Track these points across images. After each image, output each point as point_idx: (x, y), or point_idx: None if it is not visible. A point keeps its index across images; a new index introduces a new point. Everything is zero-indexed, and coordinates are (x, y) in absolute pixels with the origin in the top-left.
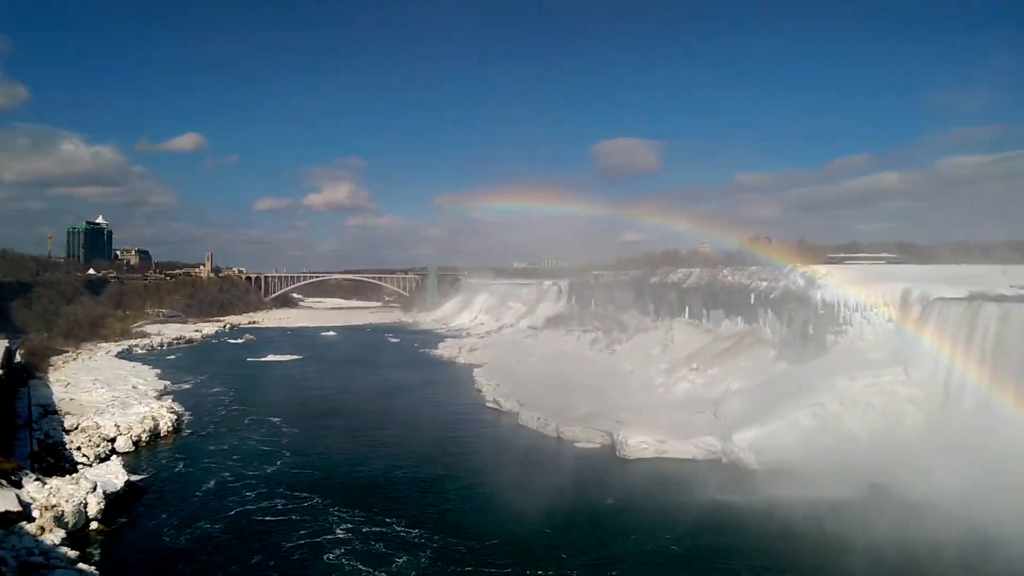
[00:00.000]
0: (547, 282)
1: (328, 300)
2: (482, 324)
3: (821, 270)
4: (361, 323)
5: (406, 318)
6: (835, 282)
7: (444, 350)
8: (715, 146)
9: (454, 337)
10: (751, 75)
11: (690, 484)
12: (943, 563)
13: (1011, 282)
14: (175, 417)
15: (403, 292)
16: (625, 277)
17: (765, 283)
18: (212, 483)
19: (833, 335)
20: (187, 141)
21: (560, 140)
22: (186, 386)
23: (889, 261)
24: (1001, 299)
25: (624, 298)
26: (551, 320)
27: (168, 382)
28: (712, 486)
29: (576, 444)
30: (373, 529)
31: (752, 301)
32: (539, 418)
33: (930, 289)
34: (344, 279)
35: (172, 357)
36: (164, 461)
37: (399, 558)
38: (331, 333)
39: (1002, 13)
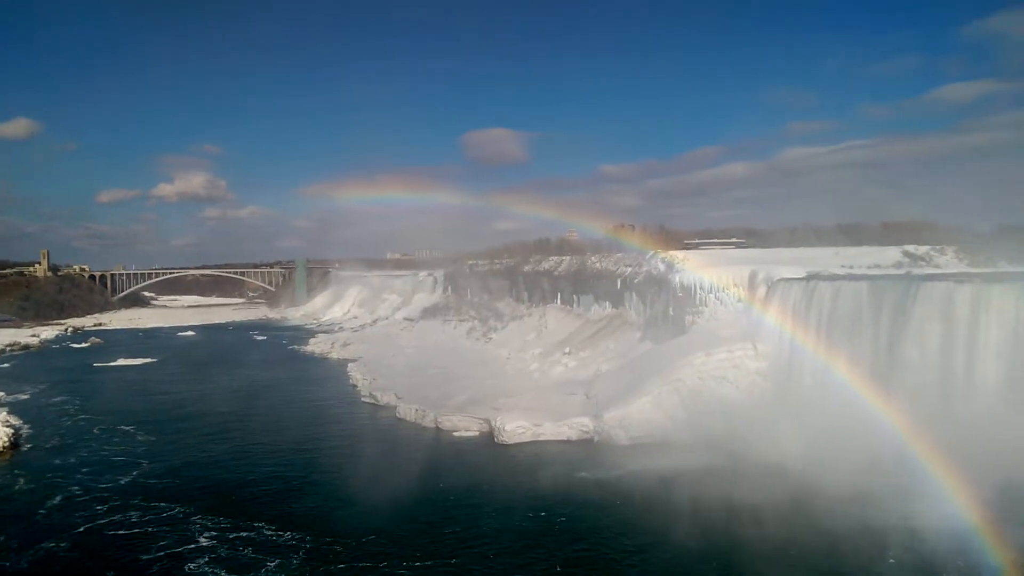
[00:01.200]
0: (422, 273)
1: (185, 298)
2: (355, 318)
3: (679, 255)
4: (223, 321)
5: (273, 314)
6: (691, 266)
7: (315, 346)
8: (581, 137)
9: (326, 332)
10: (613, 68)
11: (564, 464)
12: (783, 516)
13: (842, 262)
14: (12, 432)
15: (269, 287)
16: (499, 266)
17: (630, 269)
18: (58, 499)
19: (691, 315)
20: (18, 127)
21: (430, 129)
22: (23, 397)
23: (738, 246)
24: (834, 278)
25: (499, 286)
26: (427, 311)
27: (2, 393)
28: (584, 464)
29: (455, 433)
30: (240, 535)
31: (619, 286)
32: (417, 410)
33: (774, 270)
34: (202, 275)
35: (5, 366)
36: (0, 480)
37: (270, 562)
38: (189, 333)
39: (835, 18)
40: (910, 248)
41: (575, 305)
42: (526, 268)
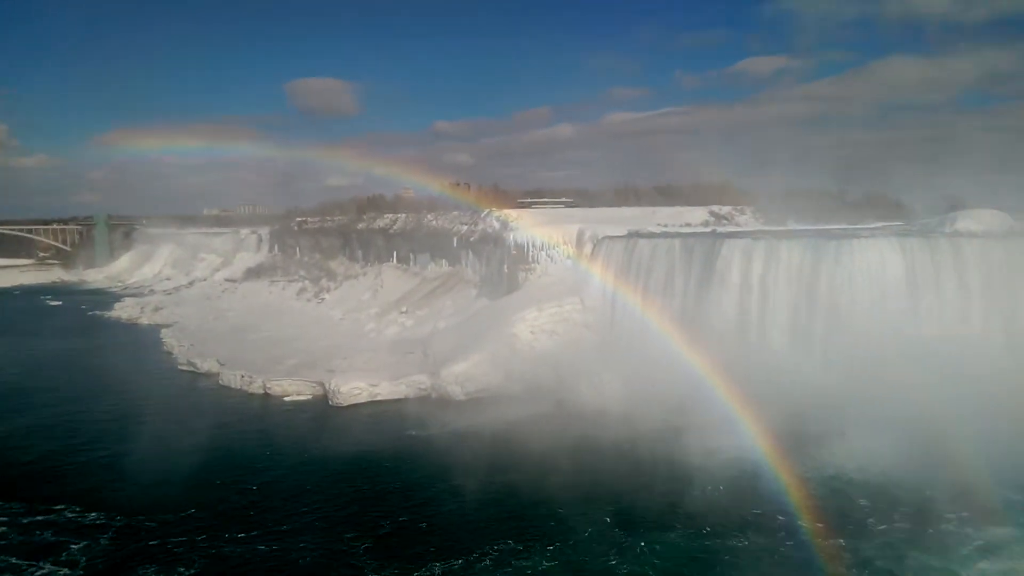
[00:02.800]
0: (245, 230)
1: None
2: (168, 280)
3: (513, 214)
4: (8, 285)
5: (70, 277)
6: (525, 225)
7: (122, 311)
8: (414, 92)
9: (134, 296)
10: (444, 24)
11: (401, 423)
12: (605, 455)
13: (659, 221)
14: None
15: (63, 246)
16: (331, 223)
17: (466, 227)
18: None
19: (524, 272)
20: None
21: (251, 76)
22: None
23: (567, 205)
24: (651, 236)
25: (331, 245)
26: (252, 271)
27: None
28: (421, 421)
29: (286, 399)
30: (37, 519)
31: (455, 244)
32: (243, 376)
33: (599, 229)
34: None
35: None
36: None
37: (73, 544)
38: None
39: None
40: (715, 208)
41: (411, 264)
42: (360, 226)
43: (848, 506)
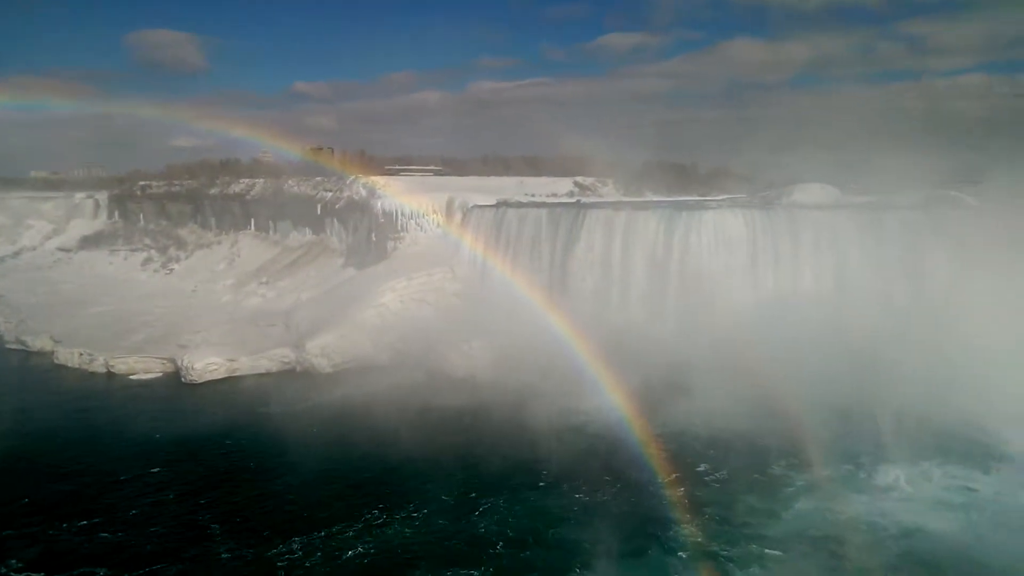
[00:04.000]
0: (80, 195)
1: None
2: None
3: (380, 181)
4: None
5: None
6: (393, 192)
7: None
8: (271, 49)
9: None
10: None
11: (263, 399)
12: (473, 419)
13: (526, 191)
14: None
15: None
16: (179, 188)
17: (330, 193)
18: None
19: (393, 241)
20: None
21: (84, 25)
22: None
23: (436, 173)
24: (519, 205)
25: (180, 211)
26: (89, 240)
27: None
28: (285, 396)
29: (132, 377)
30: None
31: (319, 211)
32: (82, 354)
33: (468, 198)
34: None
35: None
36: None
37: None
38: None
39: None
40: (580, 179)
41: (271, 232)
42: (213, 191)
43: (694, 458)
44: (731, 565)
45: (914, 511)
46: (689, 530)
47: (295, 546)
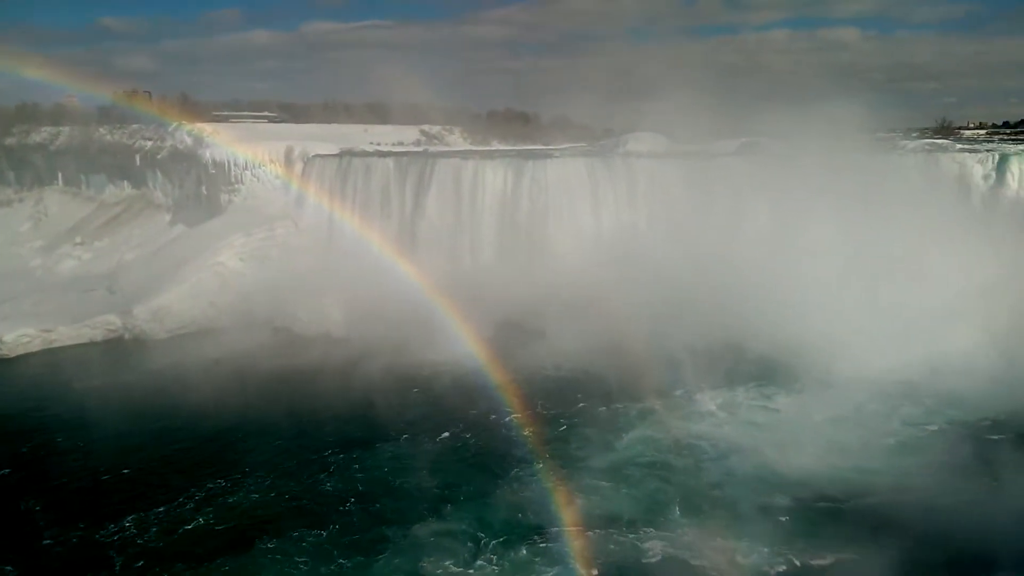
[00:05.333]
0: None
1: None
2: None
3: (208, 128)
4: None
5: None
6: (224, 141)
7: None
8: None
9: None
10: None
11: (86, 370)
12: (330, 378)
13: (371, 139)
14: None
15: None
16: None
17: (151, 142)
18: None
19: (227, 194)
20: None
21: None
22: None
23: (271, 120)
24: (365, 154)
25: None
26: None
27: None
28: (112, 366)
29: None
30: None
31: (138, 163)
32: None
33: (309, 147)
34: None
35: None
36: None
37: None
38: None
39: None
40: (426, 128)
41: (84, 187)
42: (8, 141)
43: (545, 398)
44: (571, 496)
45: (729, 433)
46: (536, 468)
47: (127, 524)
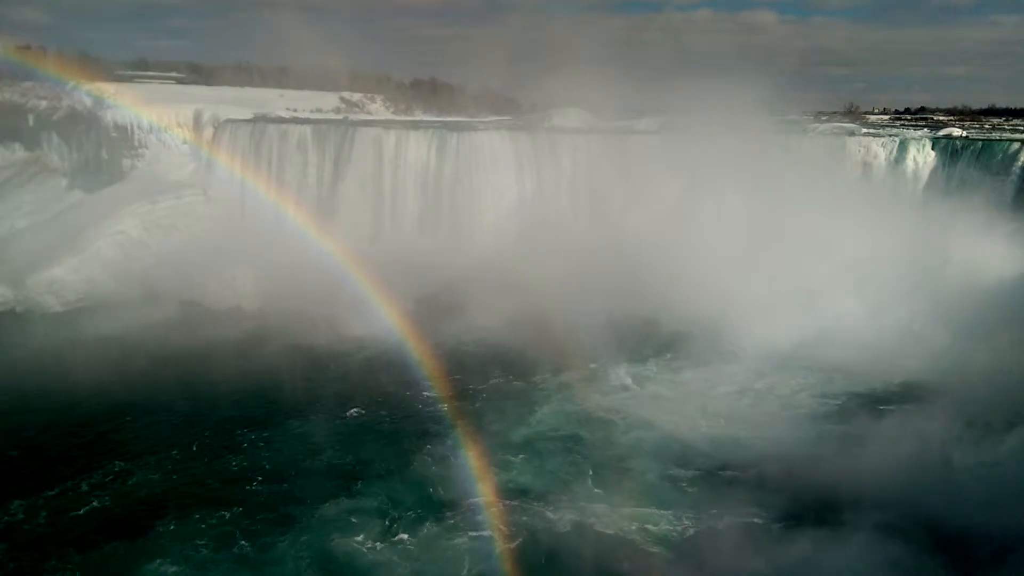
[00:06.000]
0: None
1: None
2: None
3: (109, 89)
4: None
5: None
6: (127, 102)
7: None
8: None
9: None
10: None
11: None
12: (240, 353)
13: (287, 105)
14: None
15: None
16: None
17: (45, 102)
18: None
19: (130, 159)
20: None
21: None
22: None
23: (179, 81)
24: (280, 120)
25: None
26: None
27: None
28: (3, 342)
29: None
30: None
31: (32, 123)
32: None
33: (220, 111)
34: None
35: None
36: None
37: None
38: None
39: None
40: (346, 95)
41: None
42: None
43: (466, 372)
44: (485, 470)
45: (639, 406)
46: (451, 443)
47: (14, 509)
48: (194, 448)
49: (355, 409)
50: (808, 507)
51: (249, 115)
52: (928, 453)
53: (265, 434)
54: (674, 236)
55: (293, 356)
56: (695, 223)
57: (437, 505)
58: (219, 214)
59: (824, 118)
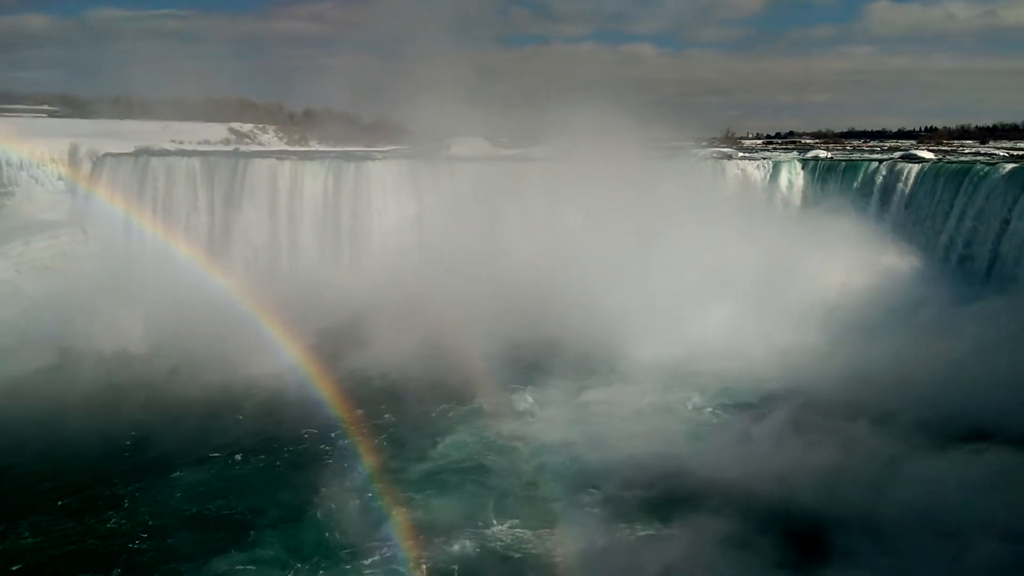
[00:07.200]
0: None
1: None
2: None
3: None
4: None
5: None
6: None
7: None
8: None
9: None
10: None
11: None
12: (122, 402)
13: (172, 137)
14: None
15: None
16: None
17: None
18: None
19: None
20: None
21: None
22: None
23: (52, 114)
24: (165, 154)
25: None
26: None
27: None
28: None
29: None
30: None
31: None
32: None
33: (98, 144)
34: None
35: None
36: None
37: None
38: None
39: None
40: (236, 126)
41: None
42: None
43: (370, 406)
44: (388, 509)
45: (542, 431)
46: (353, 483)
47: None
48: (73, 506)
49: (250, 453)
50: (711, 514)
51: (131, 148)
52: (813, 455)
53: (150, 486)
54: (571, 258)
55: (184, 400)
56: (590, 245)
57: (337, 548)
58: (101, 253)
59: (704, 143)
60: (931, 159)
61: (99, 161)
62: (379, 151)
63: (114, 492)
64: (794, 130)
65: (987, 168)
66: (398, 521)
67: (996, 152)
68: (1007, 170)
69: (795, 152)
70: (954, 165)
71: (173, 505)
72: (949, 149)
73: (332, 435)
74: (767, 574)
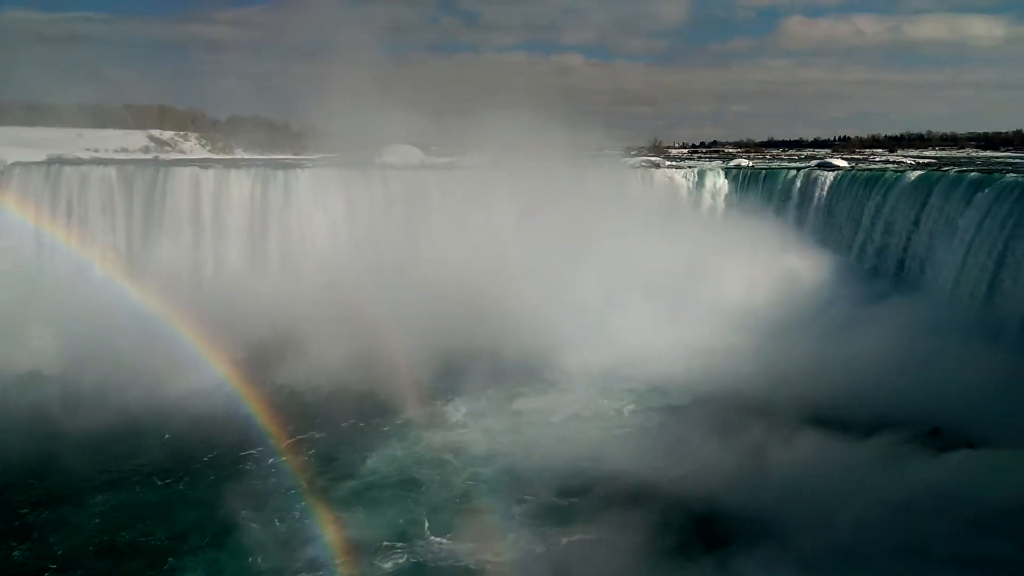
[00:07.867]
0: None
1: None
2: None
3: None
4: None
5: None
6: None
7: None
8: None
9: None
10: None
11: None
12: (37, 425)
13: (86, 146)
14: None
15: None
16: None
17: None
18: None
19: None
20: None
21: None
22: None
23: None
24: (79, 162)
25: None
26: None
27: None
28: None
29: None
30: None
31: None
32: None
33: (5, 153)
34: None
35: None
36: None
37: None
38: None
39: None
40: (156, 133)
41: None
42: None
43: (301, 422)
44: (315, 528)
45: (474, 442)
46: (281, 503)
47: None
48: None
49: (172, 475)
50: (643, 516)
51: (42, 157)
52: (733, 455)
53: (63, 514)
54: (502, 266)
55: (102, 421)
56: (521, 252)
57: (263, 573)
58: (9, 268)
59: (633, 152)
60: (845, 167)
61: (7, 170)
62: (308, 159)
63: (23, 521)
64: (717, 139)
65: (896, 175)
66: (328, 540)
67: (904, 160)
68: (914, 177)
69: (719, 161)
70: (866, 173)
71: (87, 534)
72: (861, 157)
73: (260, 453)
74: (693, 571)
